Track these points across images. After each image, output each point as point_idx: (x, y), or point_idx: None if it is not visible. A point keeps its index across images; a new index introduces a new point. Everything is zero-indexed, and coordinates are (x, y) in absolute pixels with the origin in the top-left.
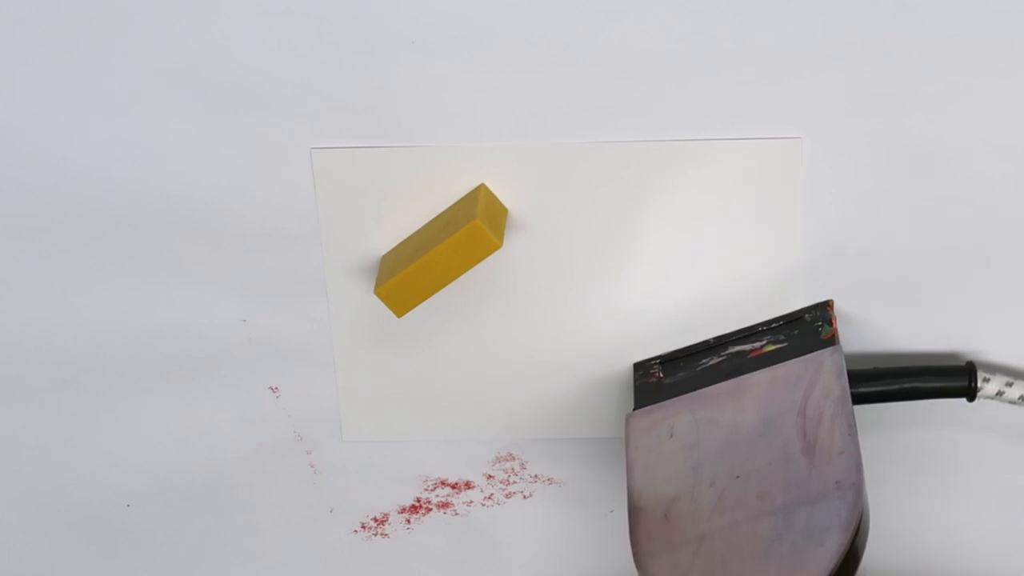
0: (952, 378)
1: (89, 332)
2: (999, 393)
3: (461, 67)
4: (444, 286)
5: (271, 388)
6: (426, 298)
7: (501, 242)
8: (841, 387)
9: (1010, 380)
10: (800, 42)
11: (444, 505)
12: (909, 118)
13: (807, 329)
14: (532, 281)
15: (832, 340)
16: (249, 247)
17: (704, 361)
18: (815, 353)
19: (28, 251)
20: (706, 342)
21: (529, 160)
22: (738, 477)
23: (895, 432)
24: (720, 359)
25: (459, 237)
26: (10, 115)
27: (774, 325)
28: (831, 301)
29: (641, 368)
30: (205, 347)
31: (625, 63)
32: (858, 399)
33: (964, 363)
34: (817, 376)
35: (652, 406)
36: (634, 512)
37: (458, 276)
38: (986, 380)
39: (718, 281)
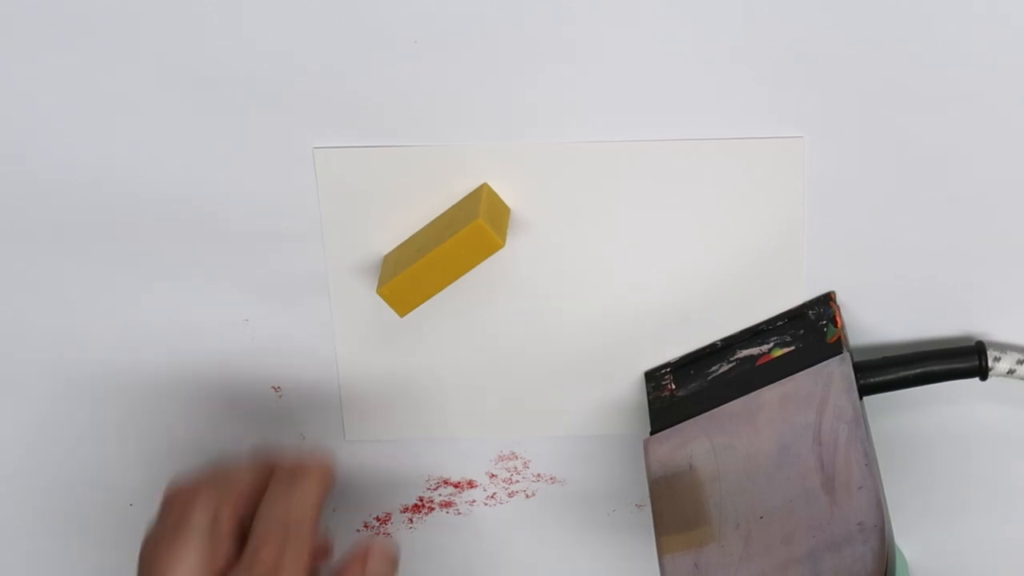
0: (962, 359)
1: (91, 331)
2: (1011, 371)
3: (462, 67)
4: (446, 285)
5: (273, 388)
6: (428, 297)
7: (503, 241)
8: (852, 405)
9: (1022, 357)
10: (802, 41)
11: (447, 504)
12: (910, 117)
13: (812, 328)
14: (533, 280)
15: (838, 344)
16: (251, 247)
17: (714, 368)
18: (823, 364)
19: (30, 252)
20: (714, 344)
21: (530, 159)
22: (761, 518)
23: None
24: (730, 366)
25: (461, 236)
26: (11, 115)
27: (779, 323)
28: (833, 293)
29: (653, 379)
30: (208, 347)
31: (626, 63)
32: (871, 389)
33: (974, 343)
34: (828, 392)
35: (669, 430)
36: (664, 564)
37: (460, 275)
38: (997, 359)
39: (720, 279)
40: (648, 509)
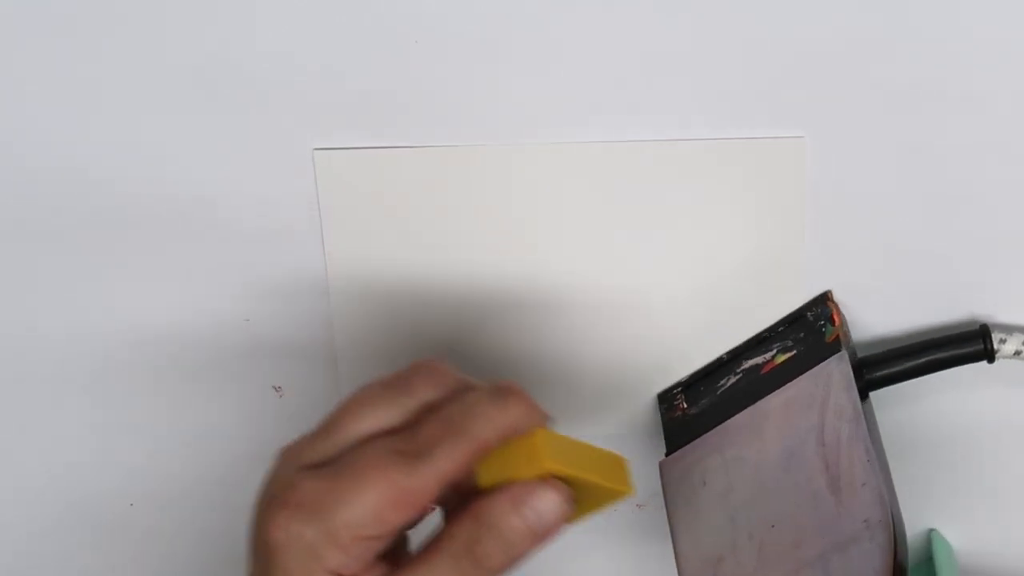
0: (967, 343)
1: (92, 332)
2: (1017, 352)
3: (463, 67)
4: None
5: (274, 387)
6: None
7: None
8: (852, 403)
9: None
10: (802, 41)
11: None
12: (911, 117)
13: (811, 330)
14: (534, 281)
15: (837, 342)
16: (252, 247)
17: (723, 382)
18: (822, 364)
19: (30, 251)
20: (720, 358)
21: (531, 160)
22: (773, 526)
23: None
24: (737, 377)
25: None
26: (12, 115)
27: (780, 329)
28: (830, 292)
29: (665, 400)
30: (208, 347)
31: (627, 63)
32: (878, 383)
33: (977, 326)
34: (828, 392)
35: (682, 450)
36: None
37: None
38: (1003, 341)
39: (720, 280)
40: (648, 509)
